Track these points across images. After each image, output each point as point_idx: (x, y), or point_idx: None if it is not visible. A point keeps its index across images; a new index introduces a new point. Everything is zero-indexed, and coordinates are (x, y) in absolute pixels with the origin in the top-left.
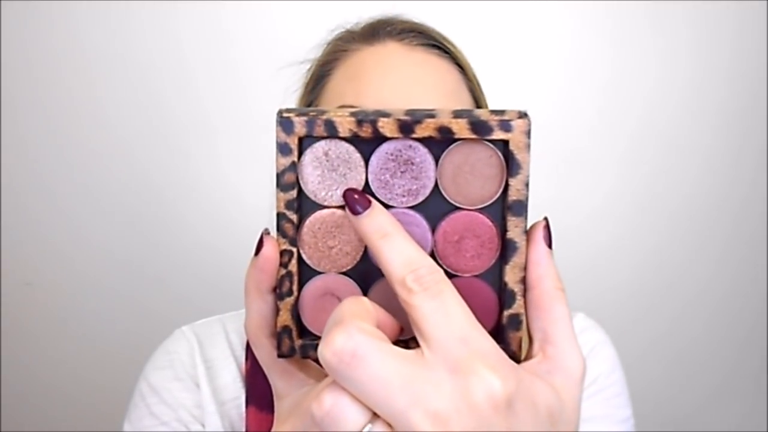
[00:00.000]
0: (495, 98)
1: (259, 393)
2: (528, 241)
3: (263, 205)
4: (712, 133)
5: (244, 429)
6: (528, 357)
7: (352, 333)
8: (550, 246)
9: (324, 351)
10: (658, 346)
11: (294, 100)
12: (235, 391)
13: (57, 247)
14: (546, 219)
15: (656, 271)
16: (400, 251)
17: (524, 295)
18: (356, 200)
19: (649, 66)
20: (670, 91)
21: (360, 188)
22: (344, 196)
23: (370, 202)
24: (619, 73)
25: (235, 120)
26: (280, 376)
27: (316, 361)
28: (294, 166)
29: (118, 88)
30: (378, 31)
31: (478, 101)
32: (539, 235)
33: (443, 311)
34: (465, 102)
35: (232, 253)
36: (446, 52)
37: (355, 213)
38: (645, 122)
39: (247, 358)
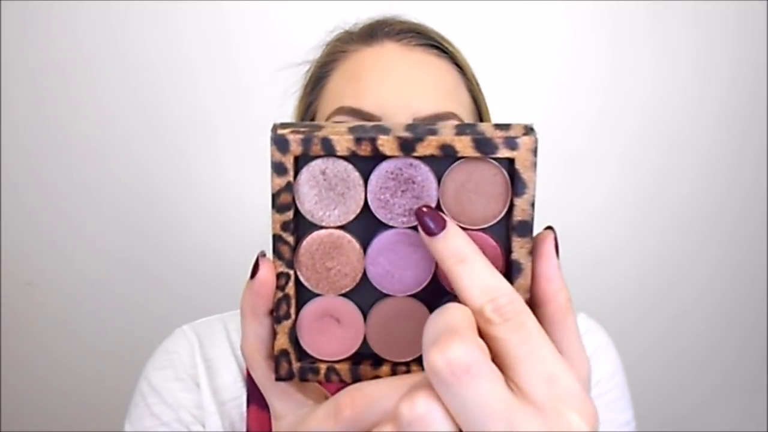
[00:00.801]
0: (496, 99)
1: (261, 392)
2: (538, 255)
3: (263, 205)
4: (713, 133)
5: (244, 429)
6: None
7: (471, 347)
8: (557, 255)
9: (437, 358)
10: (658, 347)
11: (293, 101)
12: (235, 390)
13: (57, 247)
14: (553, 230)
15: (657, 271)
16: (478, 277)
17: (533, 298)
18: (431, 219)
19: (650, 66)
20: (671, 91)
21: (359, 209)
22: (417, 214)
23: (445, 222)
24: (620, 74)
25: (235, 120)
26: (278, 397)
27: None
28: (290, 187)
29: (117, 88)
30: (376, 31)
31: (477, 101)
32: (550, 248)
33: (528, 347)
34: (464, 103)
35: (232, 253)
36: (445, 52)
37: (430, 234)
38: (645, 123)
39: None
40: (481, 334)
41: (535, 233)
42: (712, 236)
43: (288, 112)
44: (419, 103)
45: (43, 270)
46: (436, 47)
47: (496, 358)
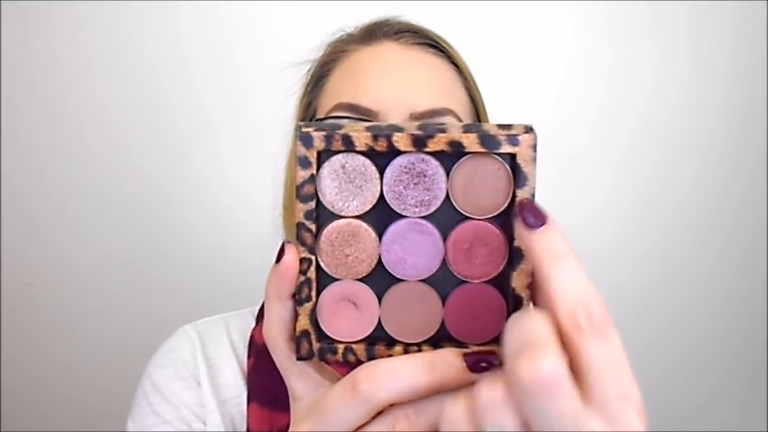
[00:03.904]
0: (495, 99)
1: (262, 389)
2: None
3: (264, 205)
4: (712, 133)
5: (245, 427)
6: None
7: (558, 362)
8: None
9: (525, 367)
10: (657, 346)
11: (294, 101)
12: (236, 389)
13: (57, 247)
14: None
15: (656, 271)
16: (573, 280)
17: (531, 300)
18: (531, 213)
19: (649, 66)
20: (670, 90)
21: (375, 200)
22: (518, 206)
23: (545, 217)
24: (619, 73)
25: (236, 120)
26: (297, 378)
27: (333, 363)
28: (313, 179)
29: (118, 88)
30: (375, 31)
31: (475, 100)
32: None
33: (610, 360)
34: (461, 100)
35: (233, 252)
36: (442, 51)
37: (530, 227)
38: (645, 122)
39: (249, 356)
40: (564, 338)
41: None
42: (711, 236)
43: (289, 112)
44: (416, 99)
45: (43, 270)
46: (434, 46)
47: (579, 366)
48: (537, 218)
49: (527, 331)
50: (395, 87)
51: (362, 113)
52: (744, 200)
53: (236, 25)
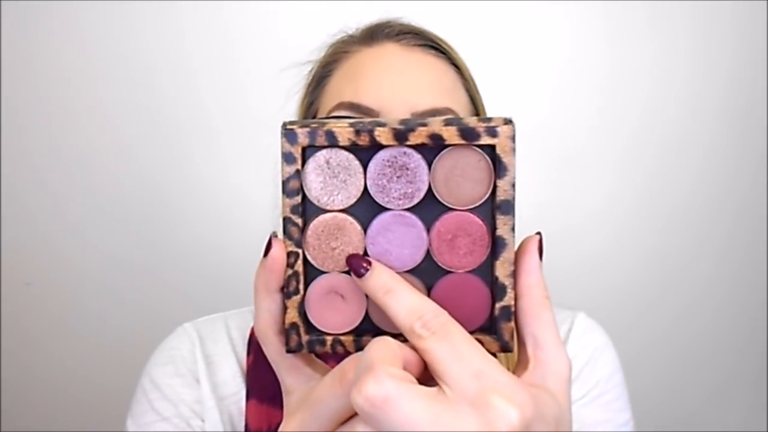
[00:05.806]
0: (495, 99)
1: (260, 386)
2: (522, 251)
3: (264, 204)
4: (712, 133)
5: (243, 424)
6: (519, 359)
7: (382, 379)
8: (541, 258)
9: (356, 397)
10: (657, 347)
11: (295, 101)
12: (234, 386)
13: (57, 247)
14: (540, 234)
15: (656, 271)
16: (403, 302)
17: (514, 288)
18: (359, 263)
19: (648, 66)
20: (670, 90)
21: (359, 193)
22: (347, 261)
23: (370, 263)
24: (618, 73)
25: (237, 120)
26: (288, 371)
27: (322, 356)
28: (298, 174)
29: (119, 88)
30: (376, 33)
31: (475, 100)
32: (534, 246)
33: (454, 351)
34: (461, 101)
35: (234, 252)
36: (443, 53)
37: (359, 275)
38: (644, 122)
39: (249, 353)
40: (416, 350)
41: (518, 222)
42: (711, 235)
43: (290, 112)
44: (417, 99)
45: (43, 270)
46: (435, 48)
47: (431, 369)
48: (365, 266)
49: (361, 363)
50: (396, 86)
51: (363, 112)
52: (744, 200)
53: (237, 26)
